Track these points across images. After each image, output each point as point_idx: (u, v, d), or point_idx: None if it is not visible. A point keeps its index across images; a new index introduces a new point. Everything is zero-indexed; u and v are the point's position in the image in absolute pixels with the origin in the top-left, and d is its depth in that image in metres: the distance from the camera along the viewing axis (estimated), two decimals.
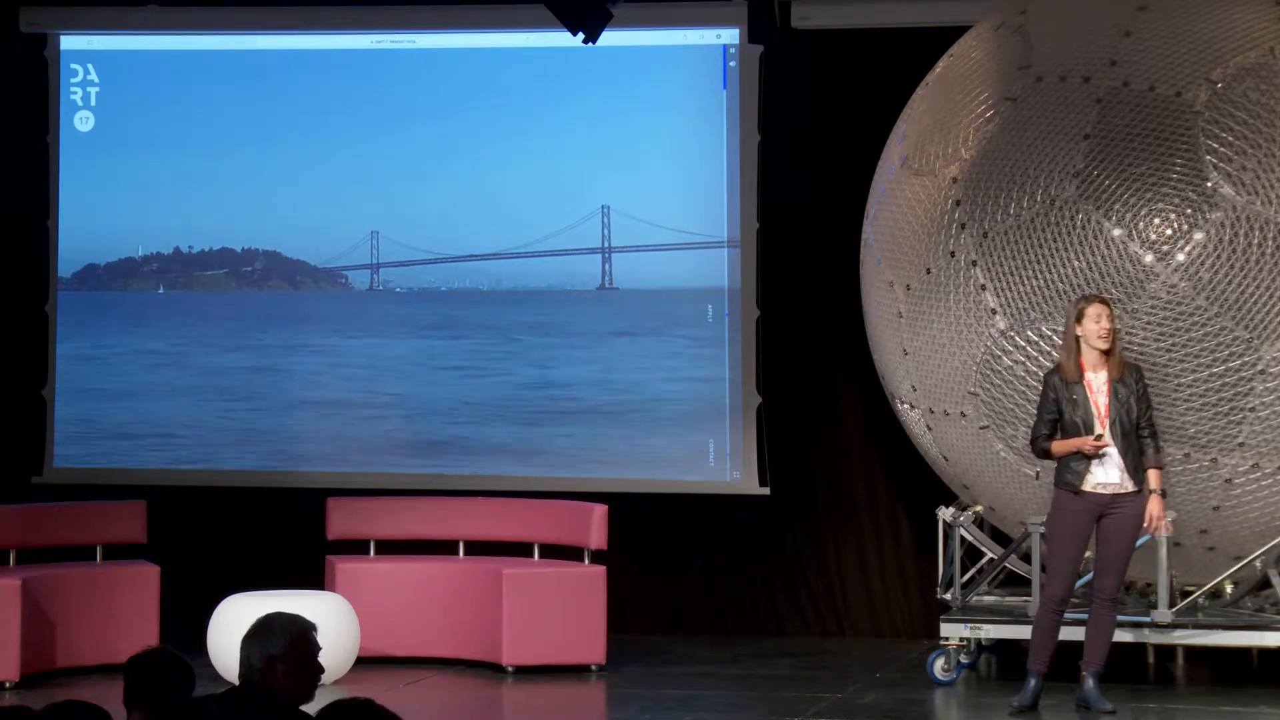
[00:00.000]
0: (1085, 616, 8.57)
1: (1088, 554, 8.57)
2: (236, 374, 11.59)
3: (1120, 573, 8.53)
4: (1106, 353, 8.35)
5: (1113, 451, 8.31)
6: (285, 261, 11.71)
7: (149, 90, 11.65)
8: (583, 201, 11.29)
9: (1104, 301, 8.38)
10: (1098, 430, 8.29)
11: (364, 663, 9.68)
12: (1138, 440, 8.35)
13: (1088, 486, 8.33)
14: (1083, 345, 8.35)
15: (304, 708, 4.80)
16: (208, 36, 11.58)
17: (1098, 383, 8.36)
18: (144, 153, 11.62)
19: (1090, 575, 8.62)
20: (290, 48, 11.58)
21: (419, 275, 11.56)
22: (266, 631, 4.80)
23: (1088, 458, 8.30)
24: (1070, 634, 8.60)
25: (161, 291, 11.76)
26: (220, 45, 11.60)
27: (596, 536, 9.91)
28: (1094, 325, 8.29)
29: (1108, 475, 8.33)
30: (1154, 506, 8.38)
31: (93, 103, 11.66)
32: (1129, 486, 8.34)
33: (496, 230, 11.39)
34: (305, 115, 11.56)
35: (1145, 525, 8.41)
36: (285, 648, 4.78)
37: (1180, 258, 8.58)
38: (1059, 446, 8.36)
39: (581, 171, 11.33)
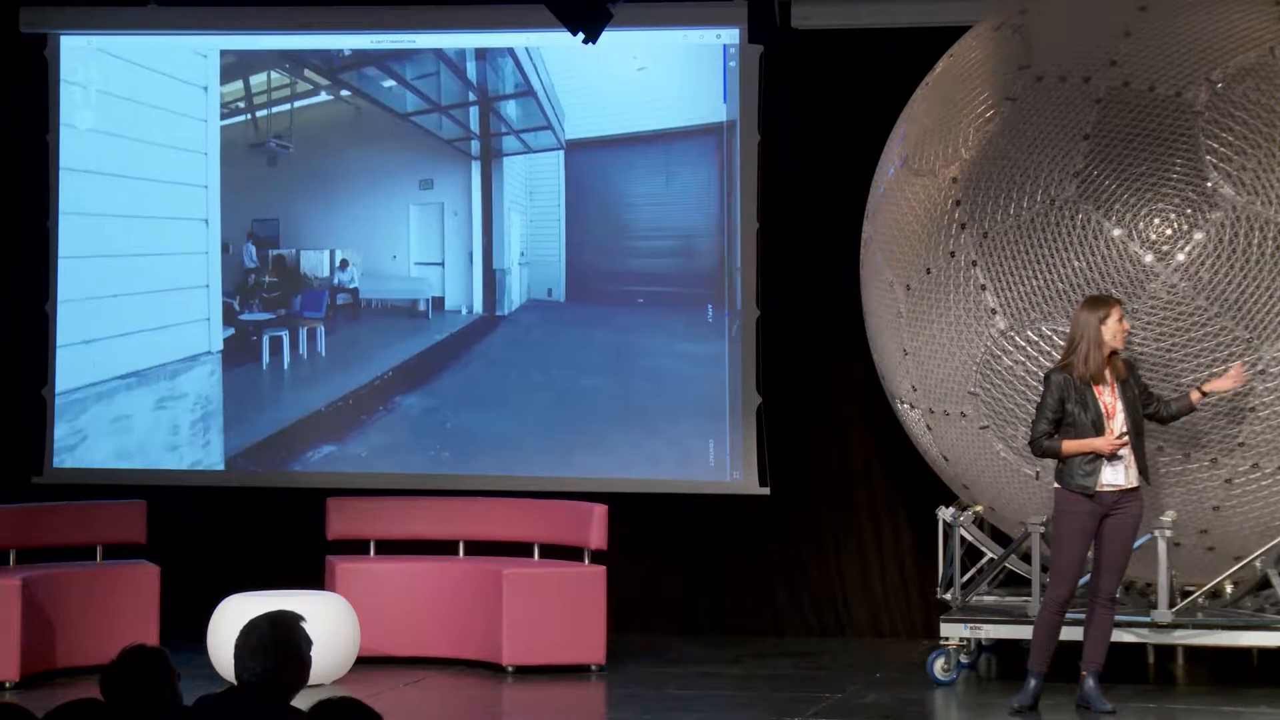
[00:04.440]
0: (1084, 616, 8.57)
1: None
2: (238, 372, 11.56)
3: (1120, 572, 8.54)
4: (1112, 353, 8.36)
5: (1125, 451, 8.32)
6: (290, 257, 11.66)
7: (148, 90, 11.62)
8: None
9: (1119, 302, 8.39)
10: (1119, 430, 8.28)
11: (364, 663, 9.68)
12: (1144, 433, 8.38)
13: (1099, 487, 8.32)
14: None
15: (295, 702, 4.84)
16: (208, 37, 11.57)
17: (1103, 383, 8.36)
18: (143, 152, 11.59)
19: (1089, 576, 8.62)
20: (290, 48, 11.57)
21: None
22: (246, 635, 4.83)
23: (1099, 458, 8.29)
24: (1070, 634, 8.60)
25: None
26: (220, 45, 11.58)
27: (596, 536, 9.91)
28: (1117, 326, 8.27)
29: (1116, 475, 8.33)
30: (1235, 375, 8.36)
31: (93, 102, 11.66)
32: (1133, 483, 8.36)
33: None
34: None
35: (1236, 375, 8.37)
36: (266, 646, 4.80)
37: (1180, 258, 8.58)
38: (1072, 446, 8.30)
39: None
